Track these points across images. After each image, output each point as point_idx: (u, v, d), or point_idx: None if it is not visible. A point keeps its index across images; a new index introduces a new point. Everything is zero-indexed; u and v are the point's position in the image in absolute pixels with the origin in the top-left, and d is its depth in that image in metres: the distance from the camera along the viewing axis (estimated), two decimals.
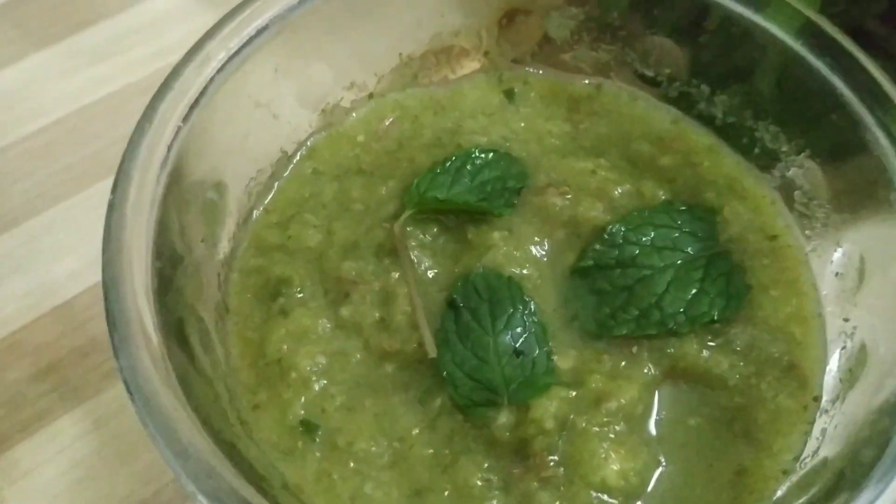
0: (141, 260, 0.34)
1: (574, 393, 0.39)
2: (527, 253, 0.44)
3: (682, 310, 0.42)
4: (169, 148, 0.37)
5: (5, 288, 0.53)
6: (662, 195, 0.46)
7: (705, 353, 0.41)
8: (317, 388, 0.39)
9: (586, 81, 0.50)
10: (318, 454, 0.38)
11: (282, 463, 0.37)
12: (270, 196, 0.45)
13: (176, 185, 0.37)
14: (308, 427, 0.39)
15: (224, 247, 0.42)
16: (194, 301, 0.37)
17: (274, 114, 0.44)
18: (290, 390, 0.39)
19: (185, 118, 0.38)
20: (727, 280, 0.43)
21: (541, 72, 0.50)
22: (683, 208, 0.45)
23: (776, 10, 0.44)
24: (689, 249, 0.44)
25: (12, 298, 0.53)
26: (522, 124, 0.48)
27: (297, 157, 0.46)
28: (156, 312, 0.33)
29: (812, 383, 0.40)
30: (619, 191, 0.45)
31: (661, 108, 0.49)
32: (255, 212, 0.44)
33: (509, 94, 0.50)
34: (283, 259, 0.43)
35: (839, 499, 0.32)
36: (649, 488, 0.38)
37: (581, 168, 0.46)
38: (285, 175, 0.46)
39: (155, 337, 0.32)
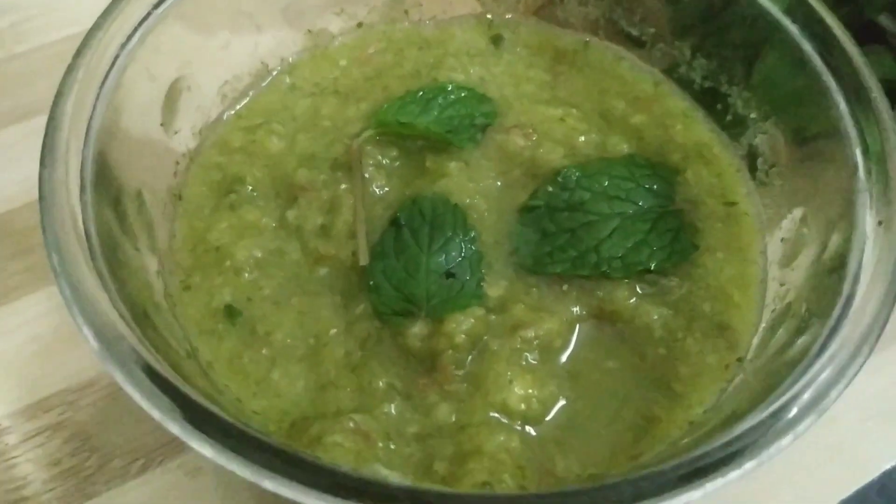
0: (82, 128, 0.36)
1: (494, 317, 0.40)
2: (479, 186, 0.44)
3: (619, 255, 0.42)
4: (135, 29, 0.39)
5: (9, 172, 0.57)
6: (627, 149, 0.46)
7: (635, 300, 0.41)
8: (247, 279, 0.41)
9: (575, 37, 0.51)
10: (235, 338, 0.39)
11: (199, 340, 0.39)
12: (244, 102, 0.47)
13: (136, 63, 0.39)
14: (231, 312, 0.40)
15: (188, 139, 0.44)
16: (138, 177, 0.39)
17: (257, 25, 0.46)
18: (222, 277, 0.41)
19: (158, 4, 0.40)
20: (674, 236, 0.43)
21: (532, 23, 0.51)
22: (644, 164, 0.45)
23: None
24: (640, 203, 0.44)
25: (12, 182, 0.56)
26: (502, 69, 0.49)
27: (277, 71, 0.48)
28: (93, 180, 0.35)
29: (741, 345, 0.40)
30: (584, 139, 0.46)
31: (644, 70, 0.49)
32: (226, 114, 0.46)
33: (496, 40, 0.50)
34: (243, 160, 0.45)
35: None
36: (549, 417, 0.38)
37: (551, 114, 0.47)
38: (263, 85, 0.48)
39: (83, 197, 0.34)
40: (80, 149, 0.35)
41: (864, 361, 0.32)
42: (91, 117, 0.36)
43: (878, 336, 0.32)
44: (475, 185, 0.44)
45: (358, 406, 0.37)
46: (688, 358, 0.39)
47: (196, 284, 0.41)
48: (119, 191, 0.37)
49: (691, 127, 0.47)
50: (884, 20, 0.53)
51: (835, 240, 0.37)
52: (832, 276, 0.36)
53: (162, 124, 0.42)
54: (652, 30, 0.48)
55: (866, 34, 0.54)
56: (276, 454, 0.28)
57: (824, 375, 0.31)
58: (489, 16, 0.51)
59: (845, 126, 0.39)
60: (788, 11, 0.44)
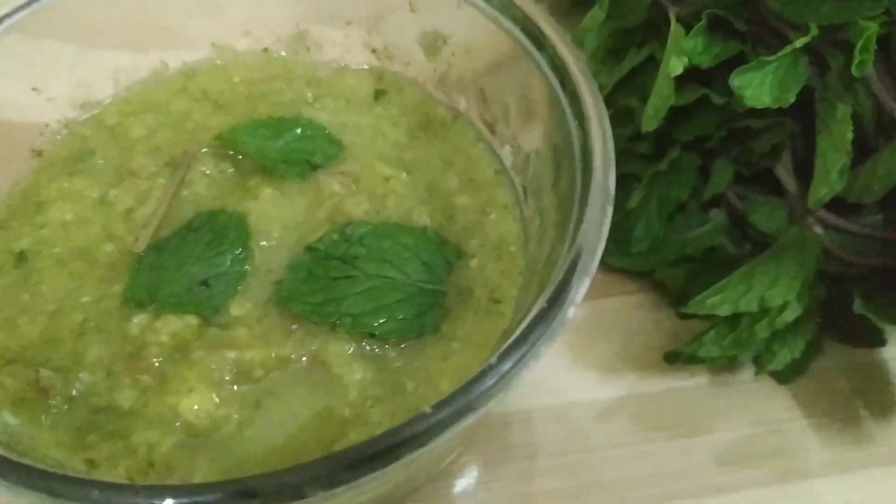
0: None
1: (213, 330, 0.44)
2: (281, 216, 0.48)
3: (354, 313, 0.44)
4: None
5: None
6: (428, 223, 0.48)
7: (347, 360, 0.43)
8: (47, 234, 0.47)
9: (449, 109, 0.53)
10: (11, 277, 0.46)
11: None
12: (136, 91, 0.54)
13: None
14: (20, 257, 0.47)
15: (64, 108, 0.51)
16: None
17: (165, 27, 0.53)
18: (29, 227, 0.48)
19: None
20: (418, 313, 0.45)
21: (417, 87, 0.54)
22: (434, 239, 0.47)
23: None
24: (407, 273, 0.46)
25: None
26: (368, 121, 0.53)
27: (175, 72, 0.54)
28: None
29: None
30: (394, 203, 0.49)
31: (493, 156, 0.51)
32: (115, 97, 0.53)
33: (379, 94, 0.54)
34: (106, 138, 0.52)
35: None
36: (215, 436, 0.41)
37: (380, 171, 0.50)
38: (157, 81, 0.54)
39: None
40: None
41: None
42: None
43: None
44: (278, 213, 0.48)
45: (60, 365, 0.43)
46: (364, 426, 0.42)
47: (8, 226, 0.48)
48: None
49: (504, 221, 0.48)
50: (781, 173, 0.51)
51: None
52: None
53: (34, 89, 0.49)
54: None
55: (764, 182, 0.53)
56: None
57: None
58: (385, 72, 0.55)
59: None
60: None
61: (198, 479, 0.40)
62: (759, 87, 0.43)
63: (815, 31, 0.44)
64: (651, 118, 0.48)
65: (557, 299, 0.36)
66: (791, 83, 0.44)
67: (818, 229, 0.50)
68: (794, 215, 0.51)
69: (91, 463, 0.39)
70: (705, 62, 0.46)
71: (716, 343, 0.49)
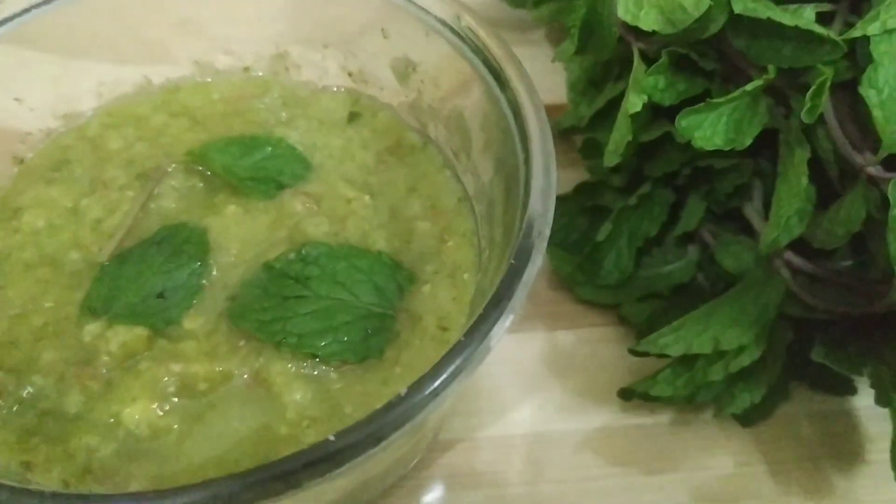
0: None
1: (163, 342, 0.45)
2: (242, 233, 0.49)
3: (299, 333, 0.45)
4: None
5: None
6: (385, 247, 0.49)
7: (289, 378, 0.44)
8: (18, 239, 0.49)
9: (420, 136, 0.54)
10: None
11: None
12: (119, 106, 0.56)
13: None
14: None
15: (47, 118, 0.53)
16: None
17: (148, 44, 0.54)
18: (2, 231, 0.50)
19: None
20: (365, 336, 0.46)
21: (390, 112, 0.55)
22: (388, 263, 0.48)
23: None
24: (358, 295, 0.47)
25: None
26: (340, 142, 0.54)
27: (158, 88, 0.56)
28: None
29: None
30: (353, 225, 0.50)
31: (458, 183, 0.52)
32: (98, 109, 0.55)
33: (353, 116, 0.55)
34: (86, 149, 0.53)
35: None
36: (153, 445, 0.42)
37: (343, 193, 0.51)
38: (140, 95, 0.56)
39: None
40: None
41: None
42: None
43: None
44: (238, 230, 0.49)
45: (14, 367, 0.44)
46: (297, 446, 0.42)
47: None
48: None
49: (461, 248, 0.49)
50: (750, 213, 0.51)
51: None
52: None
53: (16, 99, 0.51)
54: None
55: (738, 220, 0.53)
56: None
57: None
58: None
59: None
60: None
61: (133, 487, 0.42)
62: (710, 128, 0.43)
63: (772, 72, 0.43)
64: (611, 153, 0.48)
65: (475, 334, 0.36)
66: (748, 126, 0.44)
67: (785, 272, 0.50)
68: (761, 256, 0.50)
69: (27, 465, 0.41)
70: (667, 100, 0.46)
71: (669, 383, 0.48)
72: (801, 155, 0.43)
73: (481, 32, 0.47)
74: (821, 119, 0.44)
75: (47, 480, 0.40)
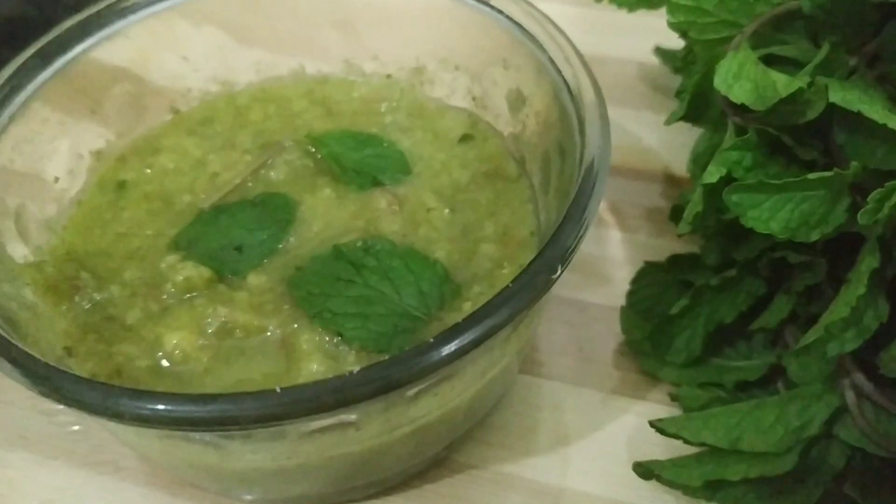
0: None
1: (221, 287, 0.50)
2: (328, 214, 0.54)
3: (335, 311, 0.49)
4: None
5: None
6: (443, 258, 0.51)
7: (310, 350, 0.48)
8: (146, 174, 0.58)
9: (519, 169, 0.56)
10: (106, 198, 0.57)
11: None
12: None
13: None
14: (121, 185, 0.57)
15: None
16: None
17: (308, 38, 0.61)
18: (138, 165, 0.58)
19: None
20: (393, 334, 0.48)
21: (498, 141, 0.58)
22: (441, 273, 0.50)
23: None
24: (402, 294, 0.49)
25: None
26: (442, 156, 0.58)
27: (310, 71, 0.63)
28: None
29: None
30: (423, 232, 0.53)
31: (537, 217, 0.53)
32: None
33: (465, 137, 0.59)
34: (228, 109, 0.61)
35: None
36: (180, 371, 0.48)
37: (427, 202, 0.55)
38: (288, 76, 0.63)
39: None
40: None
41: None
42: None
43: None
44: (325, 211, 0.55)
45: (101, 274, 0.52)
46: None
47: (126, 160, 0.59)
48: None
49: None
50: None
51: None
52: None
53: (184, 57, 0.60)
54: None
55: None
56: None
57: None
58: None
59: None
60: None
61: None
62: (770, 210, 0.41)
63: (855, 168, 0.41)
64: (683, 222, 0.47)
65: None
66: (819, 220, 0.42)
67: (849, 394, 0.46)
68: (828, 369, 0.47)
69: (69, 351, 0.47)
70: (746, 181, 0.45)
71: (683, 468, 0.46)
72: (869, 262, 0.41)
73: (581, 77, 0.49)
74: None
75: (80, 370, 0.47)
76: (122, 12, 0.58)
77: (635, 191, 0.67)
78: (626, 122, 0.71)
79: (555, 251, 0.41)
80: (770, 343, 0.55)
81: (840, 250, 0.47)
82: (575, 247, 0.42)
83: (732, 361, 0.54)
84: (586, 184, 0.44)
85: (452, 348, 0.38)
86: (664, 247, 0.62)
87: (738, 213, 0.42)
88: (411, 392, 0.40)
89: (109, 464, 0.54)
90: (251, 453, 0.44)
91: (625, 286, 0.59)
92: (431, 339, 0.38)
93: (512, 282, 0.40)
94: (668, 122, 0.52)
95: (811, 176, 0.41)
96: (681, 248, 0.60)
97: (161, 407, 0.36)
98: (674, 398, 0.53)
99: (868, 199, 0.39)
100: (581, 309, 0.60)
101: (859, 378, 0.47)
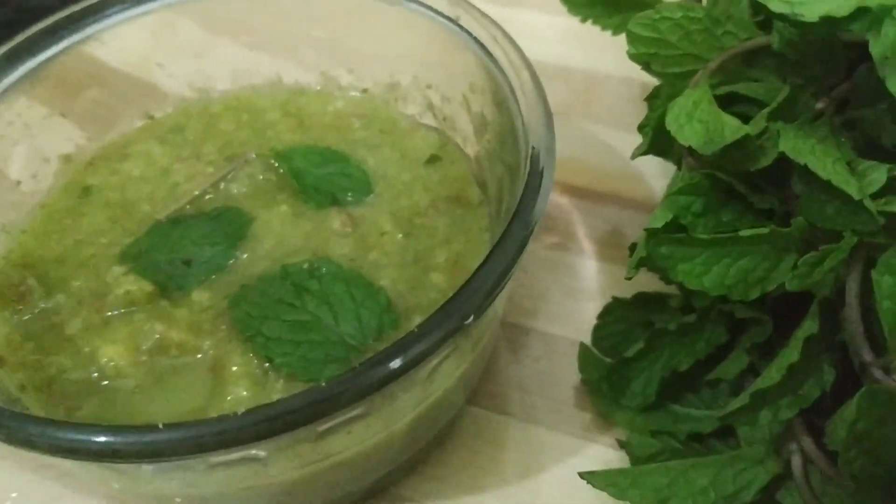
0: None
1: (163, 302, 0.50)
2: (281, 231, 0.54)
3: (268, 335, 0.48)
4: None
5: None
6: (388, 286, 0.50)
7: (239, 374, 0.47)
8: (111, 181, 0.58)
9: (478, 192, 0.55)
10: (69, 203, 0.57)
11: None
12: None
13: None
14: (86, 190, 0.58)
15: None
16: None
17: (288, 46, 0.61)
18: (105, 170, 0.59)
19: None
20: (324, 362, 0.47)
21: (462, 165, 0.57)
22: (383, 302, 0.49)
23: None
24: (340, 322, 0.49)
25: None
26: (407, 177, 0.57)
27: (287, 81, 0.63)
28: None
29: None
30: (373, 256, 0.52)
31: None
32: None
33: (433, 158, 0.57)
34: (201, 117, 0.61)
35: None
36: (111, 387, 0.48)
37: (381, 225, 0.54)
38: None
39: None
40: None
41: None
42: None
43: None
44: (279, 229, 0.54)
45: (50, 282, 0.52)
46: None
47: (95, 164, 0.59)
48: None
49: None
50: None
51: None
52: None
53: (158, 64, 0.60)
54: None
55: None
56: None
57: None
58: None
59: None
60: None
61: (79, 415, 0.47)
62: (703, 265, 0.39)
63: (800, 225, 0.38)
64: (630, 267, 0.45)
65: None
66: (759, 278, 0.39)
67: (796, 459, 0.44)
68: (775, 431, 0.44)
69: (0, 359, 0.48)
70: (701, 228, 0.42)
71: None
72: (808, 328, 0.38)
73: (534, 110, 0.47)
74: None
75: (8, 381, 0.47)
76: (98, 16, 0.58)
77: (621, 219, 0.65)
78: (619, 144, 0.68)
79: (468, 298, 0.40)
80: (734, 392, 0.52)
81: (795, 303, 0.45)
82: (495, 293, 0.40)
83: (692, 409, 0.52)
84: (513, 232, 0.42)
85: (348, 394, 0.37)
86: (642, 280, 0.59)
87: (667, 266, 0.40)
88: (310, 433, 0.40)
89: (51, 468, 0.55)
90: (163, 480, 0.44)
91: (594, 320, 0.57)
92: (323, 383, 0.37)
93: (418, 326, 0.39)
94: (633, 157, 0.50)
95: (745, 233, 0.38)
96: (658, 284, 0.58)
97: (39, 432, 0.37)
98: (622, 445, 0.51)
99: (799, 263, 0.36)
100: (547, 342, 0.59)
101: (807, 443, 0.44)
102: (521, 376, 0.58)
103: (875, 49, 0.38)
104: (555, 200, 0.66)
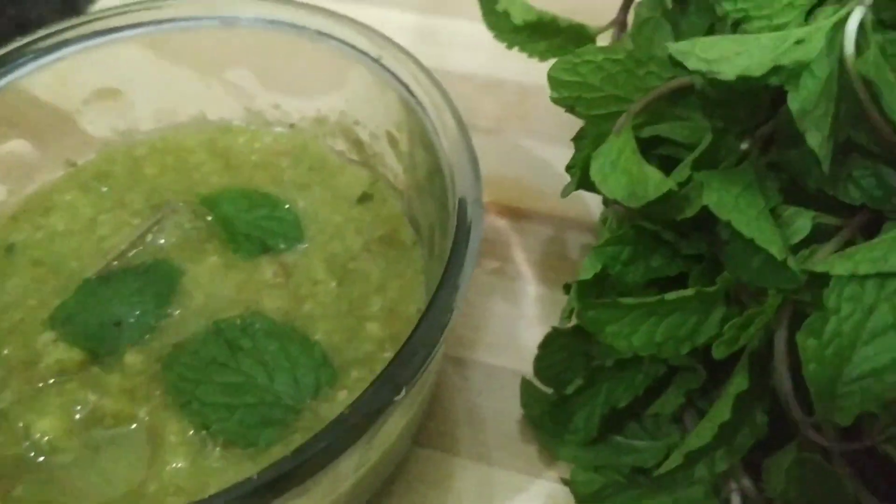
0: None
1: (95, 369, 0.49)
2: (211, 285, 0.53)
3: (203, 400, 0.48)
4: None
5: None
6: (319, 338, 0.50)
7: (176, 443, 0.47)
8: (36, 237, 0.56)
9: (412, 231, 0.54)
10: None
11: None
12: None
13: None
14: (10, 249, 0.56)
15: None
16: None
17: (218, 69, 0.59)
18: (28, 226, 0.57)
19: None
20: (262, 426, 0.47)
21: (400, 204, 0.56)
22: (318, 357, 0.49)
23: None
24: (275, 382, 0.48)
25: None
26: (340, 220, 0.56)
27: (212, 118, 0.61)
28: None
29: None
30: (308, 310, 0.51)
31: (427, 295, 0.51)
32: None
33: (364, 197, 0.57)
34: (125, 162, 0.59)
35: None
36: (45, 461, 0.47)
37: (303, 269, 0.53)
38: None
39: None
40: None
41: None
42: None
43: None
44: (209, 282, 0.53)
45: None
46: None
47: (17, 219, 0.57)
48: None
49: None
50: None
51: None
52: None
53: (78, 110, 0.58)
54: None
55: None
56: None
57: None
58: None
59: None
60: None
61: (15, 495, 0.47)
62: (630, 326, 0.39)
63: (725, 280, 0.38)
64: (562, 318, 0.45)
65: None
66: (689, 334, 0.39)
67: (735, 499, 0.44)
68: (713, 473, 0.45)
69: None
70: (631, 276, 0.42)
71: None
72: (738, 384, 0.38)
73: (460, 155, 0.47)
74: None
75: None
76: (9, 66, 0.56)
77: (560, 239, 0.65)
78: (556, 160, 0.66)
79: (398, 372, 0.39)
80: (676, 420, 0.53)
81: None
82: (426, 366, 0.40)
83: (636, 440, 0.52)
84: (440, 297, 0.42)
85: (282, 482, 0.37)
86: None
87: (594, 330, 0.40)
88: None
89: None
90: None
91: (535, 349, 0.57)
92: (255, 476, 0.37)
93: (348, 407, 0.38)
94: (563, 195, 0.50)
95: (670, 296, 0.38)
96: None
97: None
98: (566, 483, 0.52)
99: (725, 329, 0.36)
100: (489, 374, 0.58)
101: (746, 484, 0.45)
102: (465, 411, 0.57)
103: (793, 104, 0.37)
104: (491, 223, 0.65)
